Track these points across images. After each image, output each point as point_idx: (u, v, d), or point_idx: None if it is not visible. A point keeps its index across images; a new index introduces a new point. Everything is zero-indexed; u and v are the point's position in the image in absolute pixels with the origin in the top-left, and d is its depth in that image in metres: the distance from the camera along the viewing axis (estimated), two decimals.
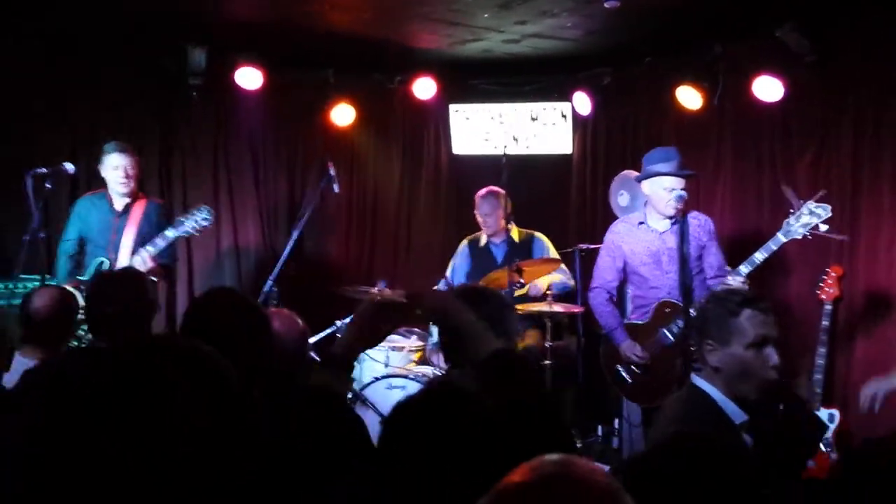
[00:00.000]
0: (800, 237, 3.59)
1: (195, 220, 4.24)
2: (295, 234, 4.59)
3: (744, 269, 3.66)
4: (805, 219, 3.52)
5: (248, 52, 5.33)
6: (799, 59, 4.53)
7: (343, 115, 5.80)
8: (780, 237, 3.59)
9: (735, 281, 3.64)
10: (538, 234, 5.05)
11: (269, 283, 4.46)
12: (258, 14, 4.81)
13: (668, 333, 3.85)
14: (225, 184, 5.66)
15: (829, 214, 3.53)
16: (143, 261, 4.16)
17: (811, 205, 3.54)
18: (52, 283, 4.09)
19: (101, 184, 4.49)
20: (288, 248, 4.56)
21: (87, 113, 5.19)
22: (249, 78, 5.36)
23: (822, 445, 3.88)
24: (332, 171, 4.73)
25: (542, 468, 1.07)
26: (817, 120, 4.68)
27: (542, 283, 4.68)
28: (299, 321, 2.57)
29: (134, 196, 4.43)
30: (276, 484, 1.91)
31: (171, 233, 4.24)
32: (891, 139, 4.33)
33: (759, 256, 3.63)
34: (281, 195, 5.88)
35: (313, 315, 4.92)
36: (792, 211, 3.59)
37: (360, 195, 6.16)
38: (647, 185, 3.97)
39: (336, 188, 4.78)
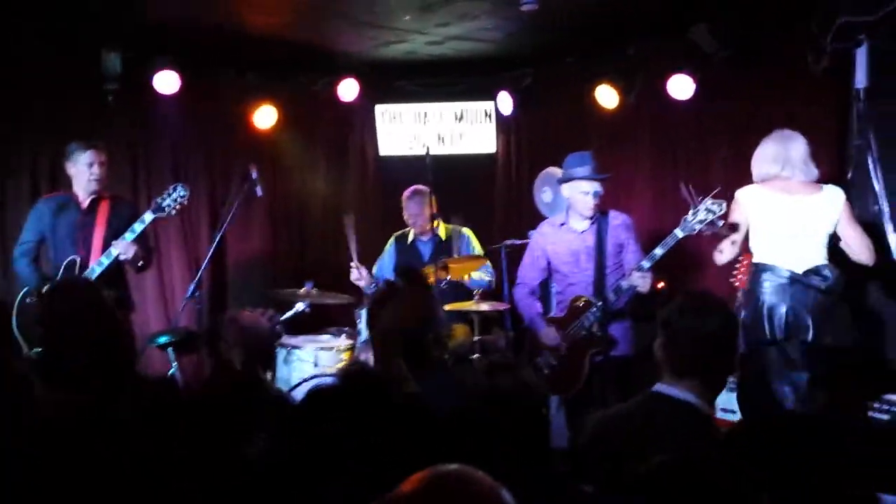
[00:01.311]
0: (695, 233, 3.74)
1: (172, 199, 4.21)
2: (217, 238, 4.54)
3: (645, 263, 3.84)
4: (701, 215, 3.67)
5: (165, 56, 5.23)
6: (710, 58, 4.71)
7: (265, 117, 5.74)
8: (678, 233, 3.75)
9: (636, 276, 3.82)
10: (464, 230, 5.11)
11: (192, 287, 4.40)
12: (175, 16, 4.72)
13: (579, 327, 4.00)
14: (144, 189, 5.52)
15: (724, 210, 3.68)
16: (125, 248, 4.12)
17: (707, 202, 3.69)
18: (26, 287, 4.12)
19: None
20: (210, 252, 4.51)
21: None
22: (167, 81, 5.26)
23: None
24: (255, 175, 4.69)
25: (433, 479, 1.10)
26: (729, 117, 4.88)
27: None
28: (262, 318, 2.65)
29: (100, 193, 4.37)
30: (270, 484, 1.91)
31: (149, 216, 4.21)
32: (799, 130, 4.53)
33: (659, 252, 3.80)
34: (202, 199, 5.77)
35: None
36: (690, 208, 3.74)
37: (284, 198, 6.11)
38: (566, 189, 4.17)
39: (259, 192, 4.74)
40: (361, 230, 6.19)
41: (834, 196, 3.60)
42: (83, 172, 4.30)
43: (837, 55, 4.11)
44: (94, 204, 4.35)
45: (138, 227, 4.18)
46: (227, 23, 4.78)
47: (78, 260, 4.24)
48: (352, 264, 4.81)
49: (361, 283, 4.82)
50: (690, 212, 3.72)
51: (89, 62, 5.06)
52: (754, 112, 4.73)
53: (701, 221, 3.67)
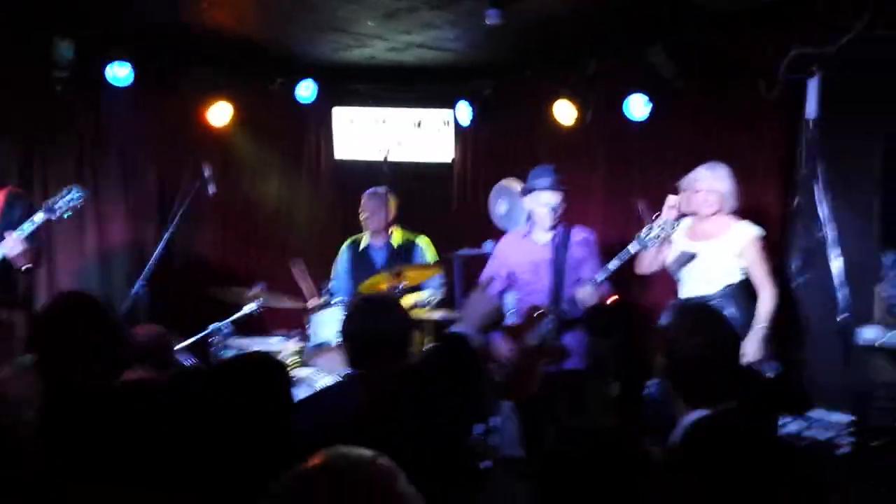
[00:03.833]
0: (649, 249, 3.83)
1: (66, 201, 4.00)
2: (166, 235, 4.43)
3: (599, 276, 3.91)
4: (655, 231, 3.78)
5: (118, 46, 5.10)
6: (666, 80, 4.80)
7: (220, 114, 5.63)
8: (631, 248, 3.84)
9: (581, 290, 3.90)
10: (419, 240, 5.06)
11: (139, 284, 4.27)
12: (132, 6, 4.62)
13: (533, 335, 4.04)
14: (91, 181, 5.34)
15: (676, 229, 3.81)
16: (13, 245, 3.88)
17: (661, 220, 3.80)
18: None
19: None
20: (158, 249, 4.40)
21: None
22: (120, 73, 5.13)
23: None
24: (207, 173, 4.59)
25: (329, 457, 1.19)
26: (682, 139, 4.98)
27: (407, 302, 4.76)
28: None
29: None
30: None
31: (40, 216, 3.96)
32: (749, 156, 4.64)
33: (612, 266, 3.88)
34: (151, 195, 5.62)
35: (187, 318, 4.79)
36: (644, 224, 3.83)
37: (237, 196, 5.99)
38: (528, 201, 4.24)
39: (211, 189, 4.64)
40: (313, 232, 6.15)
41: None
42: None
43: (790, 85, 4.23)
44: None
45: (28, 226, 3.95)
46: (186, 16, 4.69)
47: None
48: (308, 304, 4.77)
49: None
50: (644, 228, 3.81)
51: (39, 48, 4.89)
52: (707, 136, 4.83)
53: (654, 238, 3.76)
